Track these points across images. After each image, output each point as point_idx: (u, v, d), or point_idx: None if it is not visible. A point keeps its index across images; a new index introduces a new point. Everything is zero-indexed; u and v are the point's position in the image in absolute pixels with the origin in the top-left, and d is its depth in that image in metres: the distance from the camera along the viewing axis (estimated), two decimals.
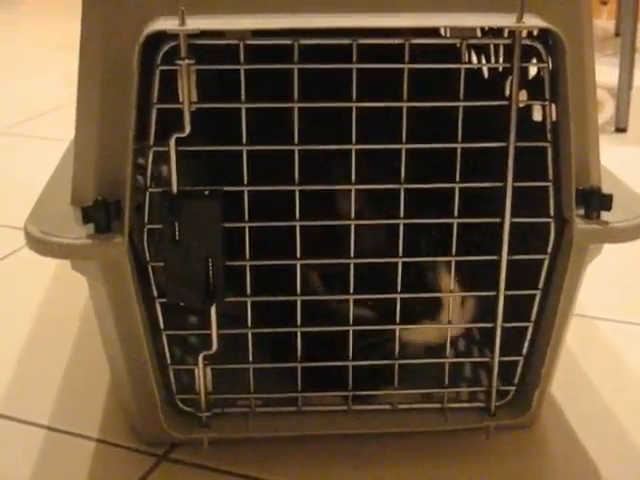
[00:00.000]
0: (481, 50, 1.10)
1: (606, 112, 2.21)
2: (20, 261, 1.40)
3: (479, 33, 0.99)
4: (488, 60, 1.06)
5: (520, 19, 0.76)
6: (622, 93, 2.11)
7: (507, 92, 0.82)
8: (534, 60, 0.81)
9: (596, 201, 0.81)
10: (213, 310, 0.84)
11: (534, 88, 0.84)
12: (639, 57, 2.23)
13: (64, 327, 1.20)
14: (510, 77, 0.79)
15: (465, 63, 0.80)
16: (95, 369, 1.06)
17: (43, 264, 1.32)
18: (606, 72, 2.21)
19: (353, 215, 0.82)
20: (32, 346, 1.16)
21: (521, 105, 0.88)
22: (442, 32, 0.99)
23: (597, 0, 3.68)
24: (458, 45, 0.79)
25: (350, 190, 0.82)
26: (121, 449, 0.94)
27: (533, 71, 0.85)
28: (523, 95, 0.88)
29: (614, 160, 0.90)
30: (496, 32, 0.89)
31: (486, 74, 1.09)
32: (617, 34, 2.92)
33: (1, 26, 3.55)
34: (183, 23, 0.74)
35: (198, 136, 0.78)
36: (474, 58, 1.15)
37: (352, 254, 0.84)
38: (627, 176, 0.90)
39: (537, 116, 0.87)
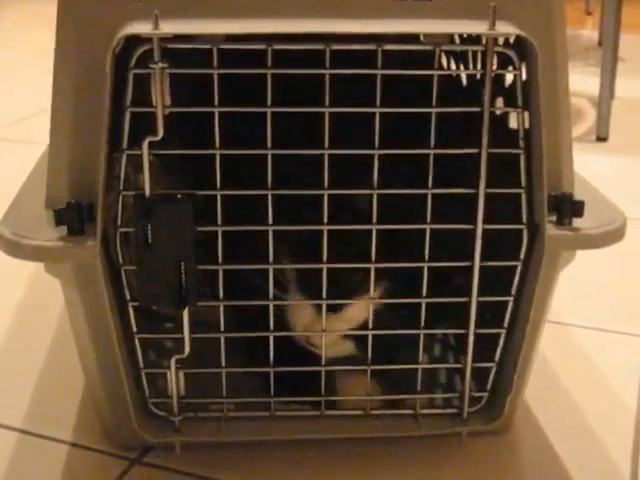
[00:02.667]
0: (460, 58, 1.10)
1: (587, 121, 2.22)
2: None
3: (457, 40, 1.00)
4: (466, 67, 1.06)
5: (492, 26, 0.76)
6: (603, 102, 2.12)
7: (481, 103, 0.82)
8: (510, 68, 0.82)
9: (568, 207, 0.82)
10: (185, 314, 0.84)
11: (510, 96, 0.85)
12: (621, 67, 2.24)
13: (39, 331, 1.20)
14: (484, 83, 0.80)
15: (438, 69, 0.80)
16: (69, 373, 1.06)
17: (18, 270, 1.32)
18: (589, 82, 2.22)
19: (326, 220, 0.83)
20: (6, 349, 1.16)
21: (498, 112, 0.89)
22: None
23: (582, 10, 3.70)
24: (432, 50, 0.79)
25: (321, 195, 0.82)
26: (94, 452, 0.94)
27: (510, 79, 0.85)
28: (500, 103, 0.89)
29: (595, 169, 0.91)
30: (473, 39, 0.89)
31: (465, 82, 1.10)
32: (601, 44, 2.94)
33: None
34: (157, 27, 0.74)
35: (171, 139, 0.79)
36: (453, 66, 1.16)
37: (325, 259, 0.84)
38: (608, 184, 0.90)
39: (514, 124, 0.87)
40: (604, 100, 2.12)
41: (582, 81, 2.36)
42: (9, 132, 2.17)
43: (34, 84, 2.38)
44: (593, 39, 3.18)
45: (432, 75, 0.80)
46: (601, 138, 2.11)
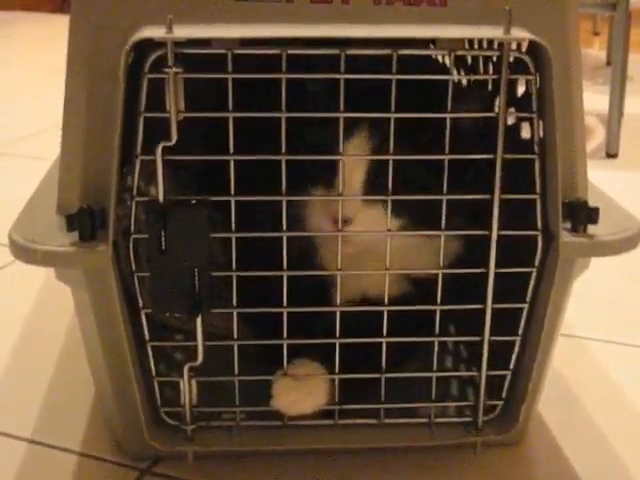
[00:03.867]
0: (471, 70, 1.10)
1: (597, 138, 2.22)
2: (6, 277, 1.39)
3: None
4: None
5: (508, 31, 0.76)
6: (613, 119, 2.13)
7: (495, 109, 0.82)
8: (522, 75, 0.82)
9: (582, 214, 0.81)
10: (199, 321, 0.83)
11: (522, 105, 0.84)
12: (629, 86, 2.25)
13: (49, 341, 1.19)
14: (498, 91, 0.79)
15: (453, 74, 0.80)
16: (79, 383, 1.05)
17: (29, 280, 1.32)
18: (597, 100, 2.23)
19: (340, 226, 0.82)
20: (16, 359, 1.15)
21: (510, 122, 0.89)
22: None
23: (589, 31, 3.70)
24: (446, 56, 0.79)
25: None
26: (104, 463, 0.93)
27: (521, 91, 0.85)
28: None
29: (605, 185, 0.90)
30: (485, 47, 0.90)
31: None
32: (608, 63, 2.94)
33: None
34: (170, 31, 0.74)
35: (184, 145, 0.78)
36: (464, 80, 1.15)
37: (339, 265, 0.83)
38: (618, 200, 0.90)
39: (525, 135, 0.87)
40: (614, 117, 2.13)
41: (591, 99, 2.35)
42: (21, 147, 2.17)
43: (46, 100, 2.40)
44: (601, 59, 3.19)
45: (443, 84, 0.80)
46: (611, 155, 2.12)
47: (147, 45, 0.76)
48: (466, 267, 0.85)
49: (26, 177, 1.12)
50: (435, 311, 0.86)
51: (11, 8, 4.29)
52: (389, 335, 0.87)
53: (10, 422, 1.00)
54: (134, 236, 0.81)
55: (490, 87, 0.98)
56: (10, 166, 2.05)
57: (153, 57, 0.76)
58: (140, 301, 0.84)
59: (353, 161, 0.82)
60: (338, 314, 0.86)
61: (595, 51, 3.40)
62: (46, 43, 3.47)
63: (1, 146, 2.17)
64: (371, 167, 0.83)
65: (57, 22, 2.96)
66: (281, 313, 0.85)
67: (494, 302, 0.85)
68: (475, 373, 0.89)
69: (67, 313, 1.22)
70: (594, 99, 2.33)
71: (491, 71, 0.95)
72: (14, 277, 1.38)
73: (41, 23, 4.08)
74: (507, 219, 0.82)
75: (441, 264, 0.85)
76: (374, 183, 0.83)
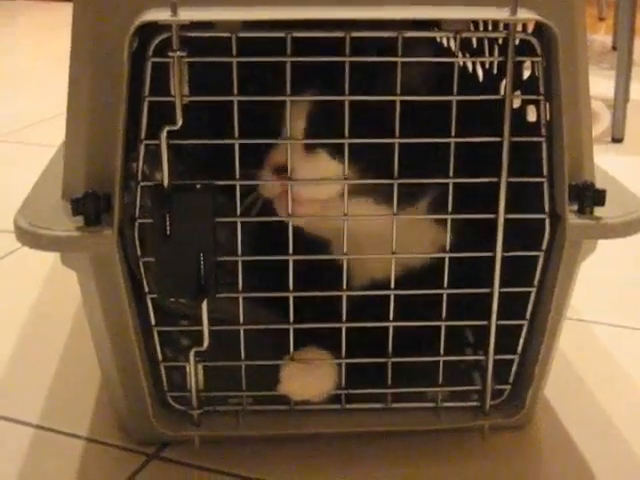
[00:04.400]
0: (476, 54, 1.10)
1: (603, 123, 2.22)
2: (13, 264, 1.39)
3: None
4: (482, 64, 1.06)
5: (514, 12, 0.75)
6: (618, 104, 2.13)
7: (501, 93, 0.82)
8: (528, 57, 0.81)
9: (589, 196, 0.81)
10: (204, 306, 0.83)
11: (528, 88, 0.84)
12: (635, 71, 2.25)
13: (55, 327, 1.19)
14: (504, 75, 0.79)
15: (459, 57, 0.79)
16: (85, 369, 1.06)
17: (36, 267, 1.32)
18: (603, 85, 2.22)
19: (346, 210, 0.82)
20: (23, 346, 1.15)
21: (515, 105, 0.89)
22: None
23: (595, 16, 3.69)
24: (452, 38, 0.79)
25: None
26: (111, 447, 0.93)
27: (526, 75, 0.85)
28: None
29: (610, 170, 0.90)
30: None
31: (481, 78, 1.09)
32: (614, 48, 2.93)
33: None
34: (175, 14, 0.74)
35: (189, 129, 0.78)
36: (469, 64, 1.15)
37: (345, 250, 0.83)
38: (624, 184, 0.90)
39: (531, 118, 0.86)
40: (619, 102, 2.13)
41: (596, 84, 2.34)
42: (24, 135, 2.17)
43: (50, 88, 2.41)
44: (607, 44, 3.18)
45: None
46: (616, 139, 2.12)
47: (151, 28, 0.76)
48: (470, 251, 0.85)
49: (30, 165, 1.12)
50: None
51: None
52: (395, 320, 0.86)
53: (17, 408, 1.00)
54: (139, 221, 0.80)
55: (495, 70, 0.98)
56: (14, 154, 2.06)
57: (157, 41, 0.76)
58: (146, 286, 0.83)
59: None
60: (344, 297, 0.85)
61: (601, 36, 3.40)
62: (50, 31, 3.48)
63: (5, 134, 2.18)
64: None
65: (61, 10, 2.96)
66: (303, 298, 0.85)
67: (501, 286, 0.84)
68: (482, 357, 0.89)
69: (73, 299, 1.22)
70: (600, 84, 2.33)
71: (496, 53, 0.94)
72: (20, 264, 1.38)
73: (45, 11, 4.07)
74: (513, 203, 0.82)
75: (447, 248, 0.85)
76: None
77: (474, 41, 1.06)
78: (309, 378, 0.88)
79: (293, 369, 0.88)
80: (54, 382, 1.06)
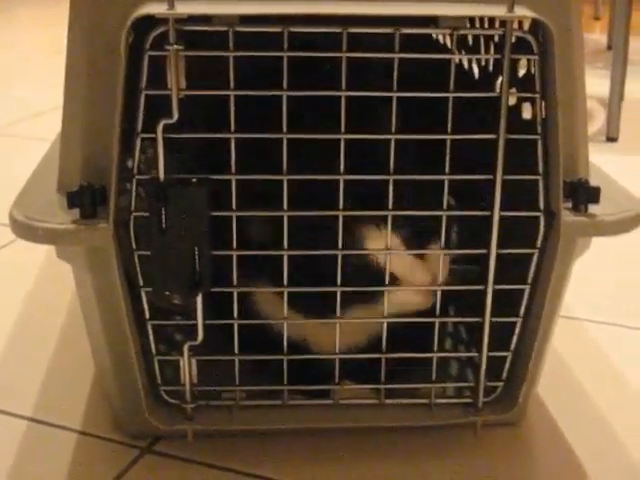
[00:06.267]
0: (471, 51, 1.10)
1: (598, 122, 2.22)
2: (8, 257, 1.39)
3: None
4: (478, 61, 1.06)
5: (511, 9, 0.76)
6: (613, 103, 2.13)
7: (497, 90, 0.82)
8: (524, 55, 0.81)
9: (583, 193, 0.81)
10: (199, 300, 0.83)
11: (524, 86, 0.84)
12: (630, 70, 2.25)
13: (49, 320, 1.19)
14: (500, 72, 0.79)
15: (455, 54, 0.79)
16: (79, 361, 1.05)
17: (31, 260, 1.32)
18: (598, 84, 2.23)
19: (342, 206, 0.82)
20: (17, 338, 1.15)
21: (511, 102, 0.89)
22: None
23: (590, 15, 3.70)
24: (449, 35, 0.79)
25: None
26: (104, 441, 0.93)
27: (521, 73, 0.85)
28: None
29: (605, 168, 0.91)
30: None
31: (476, 75, 1.09)
32: (609, 47, 2.94)
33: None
34: (172, 8, 0.74)
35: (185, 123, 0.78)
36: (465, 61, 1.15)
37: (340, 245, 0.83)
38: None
39: (526, 115, 0.87)
40: (614, 101, 2.13)
41: (592, 83, 2.35)
42: (20, 128, 2.17)
43: (45, 82, 2.41)
44: (602, 43, 3.18)
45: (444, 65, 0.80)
46: (611, 138, 2.12)
47: (148, 22, 0.76)
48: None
49: (25, 158, 1.12)
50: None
51: None
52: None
53: (10, 400, 1.00)
54: (134, 214, 0.80)
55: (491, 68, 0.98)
56: (8, 147, 2.05)
57: (154, 34, 0.76)
58: (140, 280, 0.83)
59: None
60: (339, 293, 0.86)
61: (596, 35, 3.40)
62: (47, 24, 3.47)
63: (1, 127, 2.17)
64: None
65: (58, 3, 2.95)
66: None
67: (495, 283, 0.85)
68: (475, 354, 0.89)
69: (67, 292, 1.22)
70: (595, 83, 2.33)
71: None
72: (15, 257, 1.38)
73: (42, 4, 4.06)
74: (508, 200, 0.82)
75: (442, 245, 0.85)
76: None
77: (470, 38, 1.06)
78: None
79: None
80: (48, 375, 1.06)
